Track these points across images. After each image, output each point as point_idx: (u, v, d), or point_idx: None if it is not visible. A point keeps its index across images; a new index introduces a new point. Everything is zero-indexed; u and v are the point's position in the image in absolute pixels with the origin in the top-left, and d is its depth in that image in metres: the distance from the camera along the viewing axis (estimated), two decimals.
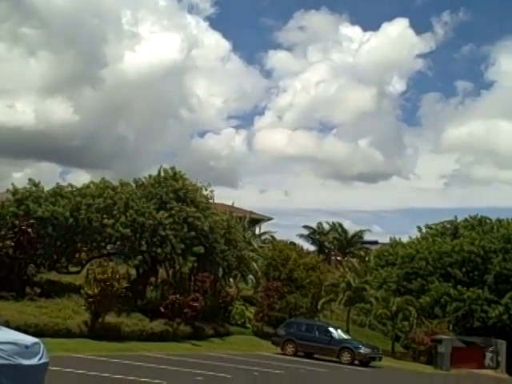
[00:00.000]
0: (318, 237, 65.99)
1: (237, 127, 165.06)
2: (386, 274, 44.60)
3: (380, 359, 29.97)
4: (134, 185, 34.33)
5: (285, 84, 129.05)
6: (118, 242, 31.16)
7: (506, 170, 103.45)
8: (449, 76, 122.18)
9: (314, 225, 66.59)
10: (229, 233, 35.94)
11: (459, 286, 39.75)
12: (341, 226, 64.67)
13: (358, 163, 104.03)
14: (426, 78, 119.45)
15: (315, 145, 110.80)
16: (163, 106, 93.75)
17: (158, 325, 28.21)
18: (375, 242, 66.77)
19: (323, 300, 37.23)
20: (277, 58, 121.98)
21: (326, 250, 67.00)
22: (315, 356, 30.08)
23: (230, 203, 44.82)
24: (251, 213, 49.95)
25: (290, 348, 30.32)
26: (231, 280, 41.82)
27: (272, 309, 35.91)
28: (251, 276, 41.64)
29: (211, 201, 36.76)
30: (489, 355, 37.37)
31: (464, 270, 40.39)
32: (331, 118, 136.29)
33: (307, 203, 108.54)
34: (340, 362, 28.74)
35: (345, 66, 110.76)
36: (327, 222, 65.43)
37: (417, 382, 26.39)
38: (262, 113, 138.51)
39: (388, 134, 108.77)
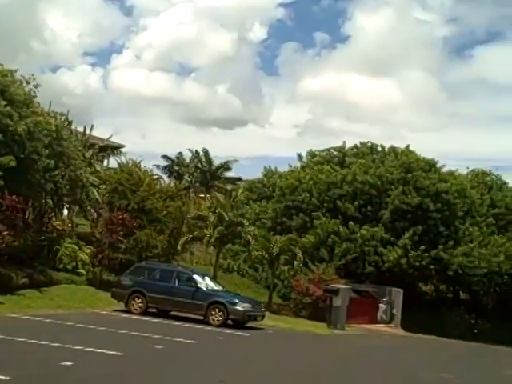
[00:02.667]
0: (177, 168, 56.78)
1: (93, 64, 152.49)
2: (260, 208, 36.81)
3: (262, 318, 21.95)
4: None
5: (145, 23, 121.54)
6: None
7: (355, 122, 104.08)
8: (308, 27, 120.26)
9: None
10: (59, 145, 25.85)
11: (350, 224, 32.81)
12: (206, 153, 55.72)
13: (215, 108, 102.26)
14: (286, 28, 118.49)
15: (174, 87, 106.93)
16: (11, 36, 79.53)
17: None
18: (239, 179, 59.16)
19: (185, 238, 28.35)
20: None
21: (186, 185, 58.06)
22: (173, 314, 21.53)
23: None
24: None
25: (137, 304, 21.38)
26: (65, 212, 32.10)
27: (115, 249, 26.64)
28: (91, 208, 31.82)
29: (36, 101, 26.20)
30: (382, 307, 31.00)
31: (356, 203, 33.43)
32: (191, 60, 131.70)
33: (164, 147, 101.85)
34: (208, 323, 20.38)
35: (207, 8, 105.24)
36: (190, 150, 56.22)
37: (327, 352, 18.65)
38: (119, 51, 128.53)
39: (246, 81, 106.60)
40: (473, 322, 35.54)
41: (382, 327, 29.66)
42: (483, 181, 39.98)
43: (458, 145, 73.53)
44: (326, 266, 30.61)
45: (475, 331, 35.38)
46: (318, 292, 28.10)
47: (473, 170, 42.20)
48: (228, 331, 19.42)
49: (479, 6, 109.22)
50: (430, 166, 34.80)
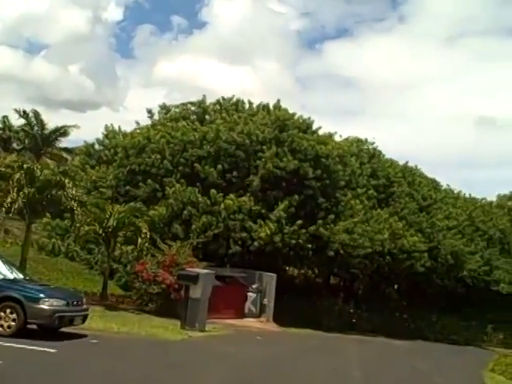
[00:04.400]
0: (1, 132, 46.74)
1: None
2: (98, 175, 29.03)
3: (83, 320, 14.52)
4: None
5: None
6: None
7: None
8: (165, 10, 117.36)
9: None
10: None
11: (212, 192, 26.04)
12: (36, 115, 46.09)
13: (67, 90, 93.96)
14: (142, 10, 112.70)
15: (21, 65, 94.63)
16: None
17: None
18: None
19: None
20: None
21: (15, 153, 48.07)
22: None
23: None
24: None
25: None
26: None
27: None
28: None
29: None
30: (251, 297, 24.68)
31: (219, 167, 26.73)
32: (41, 37, 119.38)
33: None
34: None
35: None
36: (16, 110, 46.14)
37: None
38: None
39: (100, 62, 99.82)
40: (351, 311, 30.56)
41: (251, 322, 23.37)
42: (361, 149, 35.04)
43: None
44: (180, 245, 23.61)
45: (354, 321, 30.45)
46: (170, 279, 21.15)
47: (346, 139, 37.20)
48: (21, 345, 11.88)
49: (330, 2, 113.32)
50: (307, 125, 28.96)
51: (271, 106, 29.81)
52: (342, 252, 27.18)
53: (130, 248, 23.28)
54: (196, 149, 26.94)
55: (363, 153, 34.37)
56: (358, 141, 36.19)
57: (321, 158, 27.23)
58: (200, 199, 25.65)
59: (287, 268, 35.81)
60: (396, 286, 38.50)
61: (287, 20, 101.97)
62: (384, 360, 18.95)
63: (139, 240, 21.71)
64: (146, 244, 21.99)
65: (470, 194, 43.08)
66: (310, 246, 26.38)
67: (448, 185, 40.98)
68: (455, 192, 41.76)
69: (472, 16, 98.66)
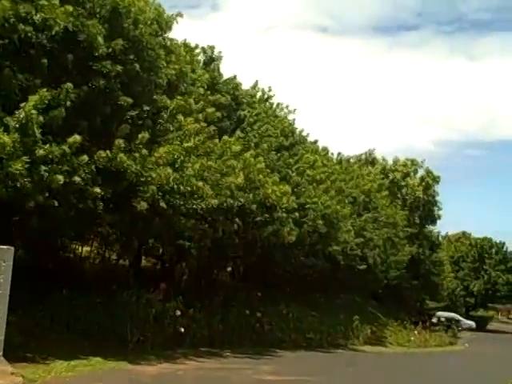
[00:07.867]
0: None
1: None
2: None
3: None
4: None
5: None
6: None
7: None
8: None
9: None
10: None
11: None
12: None
13: None
14: None
15: None
16: None
17: None
18: None
19: None
20: None
21: None
22: None
23: None
24: None
25: None
26: None
27: None
28: None
29: None
30: None
31: None
32: None
33: None
34: None
35: None
36: None
37: None
38: None
39: None
40: (178, 313, 17.61)
41: None
42: (192, 54, 22.06)
43: None
44: None
45: (182, 331, 17.65)
46: None
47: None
48: None
49: None
50: None
51: None
52: (162, 204, 13.99)
53: None
54: None
55: (195, 56, 21.54)
56: (186, 45, 23.11)
57: (124, 20, 13.77)
58: None
59: (71, 243, 22.08)
60: (232, 270, 26.45)
61: None
62: None
63: None
64: None
65: (324, 148, 32.49)
66: (99, 190, 12.84)
67: (302, 129, 29.34)
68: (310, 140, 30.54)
69: (283, 10, 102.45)
